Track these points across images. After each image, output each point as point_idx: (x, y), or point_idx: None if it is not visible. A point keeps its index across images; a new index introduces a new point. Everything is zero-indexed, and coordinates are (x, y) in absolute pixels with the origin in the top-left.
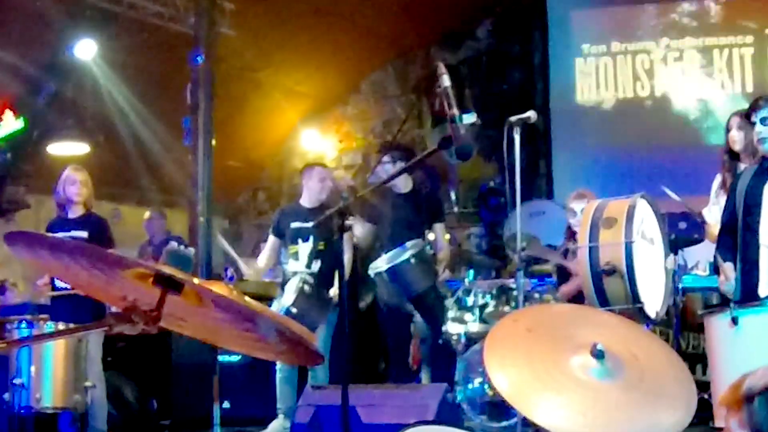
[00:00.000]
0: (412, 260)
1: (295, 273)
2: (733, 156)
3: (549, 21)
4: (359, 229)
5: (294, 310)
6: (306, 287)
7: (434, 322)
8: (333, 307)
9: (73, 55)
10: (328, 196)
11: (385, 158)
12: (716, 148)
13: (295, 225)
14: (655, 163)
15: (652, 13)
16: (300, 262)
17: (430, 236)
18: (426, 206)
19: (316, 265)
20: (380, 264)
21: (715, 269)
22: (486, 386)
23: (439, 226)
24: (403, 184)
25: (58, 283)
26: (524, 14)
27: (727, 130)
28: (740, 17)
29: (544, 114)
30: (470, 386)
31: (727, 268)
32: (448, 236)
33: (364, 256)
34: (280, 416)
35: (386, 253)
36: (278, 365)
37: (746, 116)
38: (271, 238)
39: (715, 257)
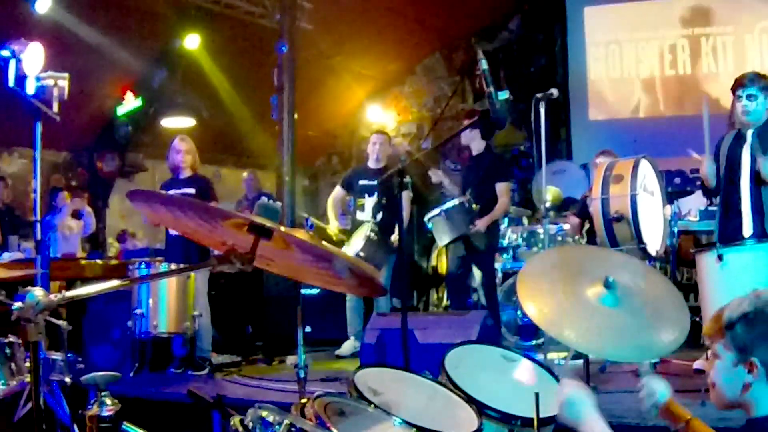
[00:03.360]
0: (465, 204)
1: (362, 222)
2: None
3: (567, 16)
4: (438, 174)
5: (362, 252)
6: (372, 234)
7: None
8: (393, 249)
9: (181, 45)
10: (389, 159)
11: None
12: (699, 116)
13: (363, 182)
14: (652, 128)
15: (651, 8)
16: (366, 213)
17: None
18: (493, 166)
19: (380, 216)
20: (434, 211)
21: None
22: (519, 312)
23: (502, 185)
24: (475, 146)
25: (171, 231)
26: (547, 10)
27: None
28: (724, 13)
29: (564, 91)
30: (506, 312)
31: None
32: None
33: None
34: (351, 338)
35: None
36: (348, 297)
37: (732, 90)
38: (338, 189)
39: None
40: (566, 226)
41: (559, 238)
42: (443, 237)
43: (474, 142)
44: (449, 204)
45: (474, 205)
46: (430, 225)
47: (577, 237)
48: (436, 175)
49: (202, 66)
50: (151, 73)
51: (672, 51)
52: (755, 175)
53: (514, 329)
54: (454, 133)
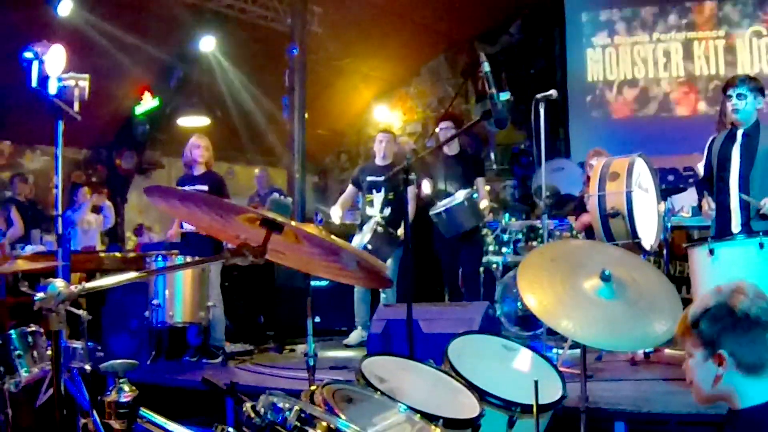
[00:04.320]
0: (466, 203)
1: (370, 217)
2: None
3: (566, 20)
4: (427, 186)
5: (369, 245)
6: (379, 228)
7: (478, 253)
8: (399, 243)
9: (197, 48)
10: (395, 156)
11: (443, 125)
12: (691, 117)
13: (370, 179)
14: (647, 128)
15: (645, 14)
16: (374, 208)
17: (476, 187)
18: (471, 164)
19: (387, 211)
20: (437, 208)
21: (699, 207)
22: (519, 304)
23: (480, 180)
24: (451, 148)
25: (186, 226)
26: (547, 15)
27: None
28: (715, 19)
29: (563, 92)
30: (506, 303)
31: (708, 200)
32: (488, 188)
33: (426, 203)
34: (358, 328)
35: (440, 201)
36: (356, 288)
37: (723, 90)
38: (350, 188)
39: (699, 196)
40: (577, 225)
41: (557, 233)
42: (452, 230)
43: (451, 143)
44: (458, 199)
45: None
46: (436, 219)
47: (576, 232)
48: (426, 188)
49: (217, 67)
50: (168, 74)
51: (666, 54)
52: (743, 173)
53: (515, 320)
54: (456, 133)
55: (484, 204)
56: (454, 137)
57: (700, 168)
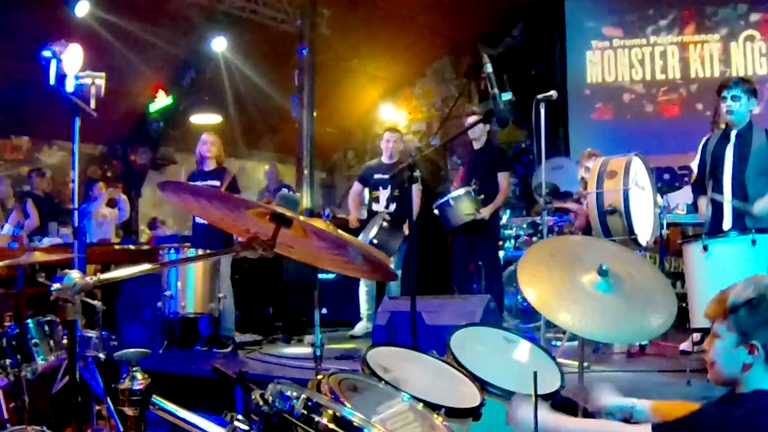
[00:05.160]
0: (450, 201)
1: (376, 212)
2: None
3: (566, 23)
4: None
5: (375, 240)
6: (384, 223)
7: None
8: (405, 238)
9: (209, 48)
10: (401, 154)
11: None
12: (686, 118)
13: (377, 176)
14: (645, 128)
15: (642, 19)
16: (380, 204)
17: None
18: (494, 158)
19: (392, 207)
20: (441, 199)
21: (694, 206)
22: (519, 297)
23: (501, 175)
24: (478, 142)
25: (197, 220)
26: (547, 19)
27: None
28: (711, 23)
29: (563, 93)
30: (507, 296)
31: (703, 202)
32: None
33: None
34: (364, 319)
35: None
36: (362, 281)
37: (717, 92)
38: (357, 185)
39: (694, 196)
40: (576, 222)
41: (556, 229)
42: (449, 224)
43: (482, 136)
44: (455, 193)
45: (480, 195)
46: (436, 212)
47: (574, 229)
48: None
49: (228, 67)
50: (182, 73)
51: (662, 57)
52: (736, 172)
53: (515, 312)
54: (462, 131)
55: (500, 197)
56: (457, 137)
57: (694, 166)
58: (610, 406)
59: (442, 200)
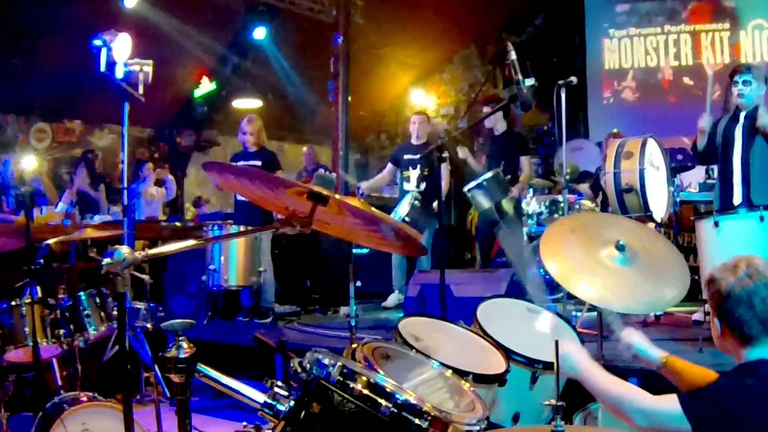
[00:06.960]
0: (485, 183)
1: (407, 191)
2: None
3: (585, 13)
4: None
5: (407, 218)
6: (415, 201)
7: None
8: (434, 215)
9: (251, 36)
10: (429, 136)
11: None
12: (698, 101)
13: (407, 157)
14: (658, 111)
15: (657, 8)
16: (411, 183)
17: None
18: (516, 143)
19: (423, 186)
20: (473, 183)
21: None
22: (541, 270)
23: (524, 159)
24: (498, 127)
25: (239, 198)
26: (568, 8)
27: None
28: (721, 12)
29: (582, 78)
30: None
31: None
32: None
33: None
34: (396, 291)
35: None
36: (394, 256)
37: (729, 76)
38: (389, 165)
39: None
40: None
41: (577, 206)
42: (483, 204)
43: (498, 123)
44: (486, 176)
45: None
46: (469, 195)
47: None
48: (462, 152)
49: (269, 54)
50: (225, 61)
51: (676, 44)
52: (744, 151)
53: (537, 285)
54: (485, 115)
55: (523, 177)
56: (483, 120)
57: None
58: (636, 347)
59: (475, 183)
